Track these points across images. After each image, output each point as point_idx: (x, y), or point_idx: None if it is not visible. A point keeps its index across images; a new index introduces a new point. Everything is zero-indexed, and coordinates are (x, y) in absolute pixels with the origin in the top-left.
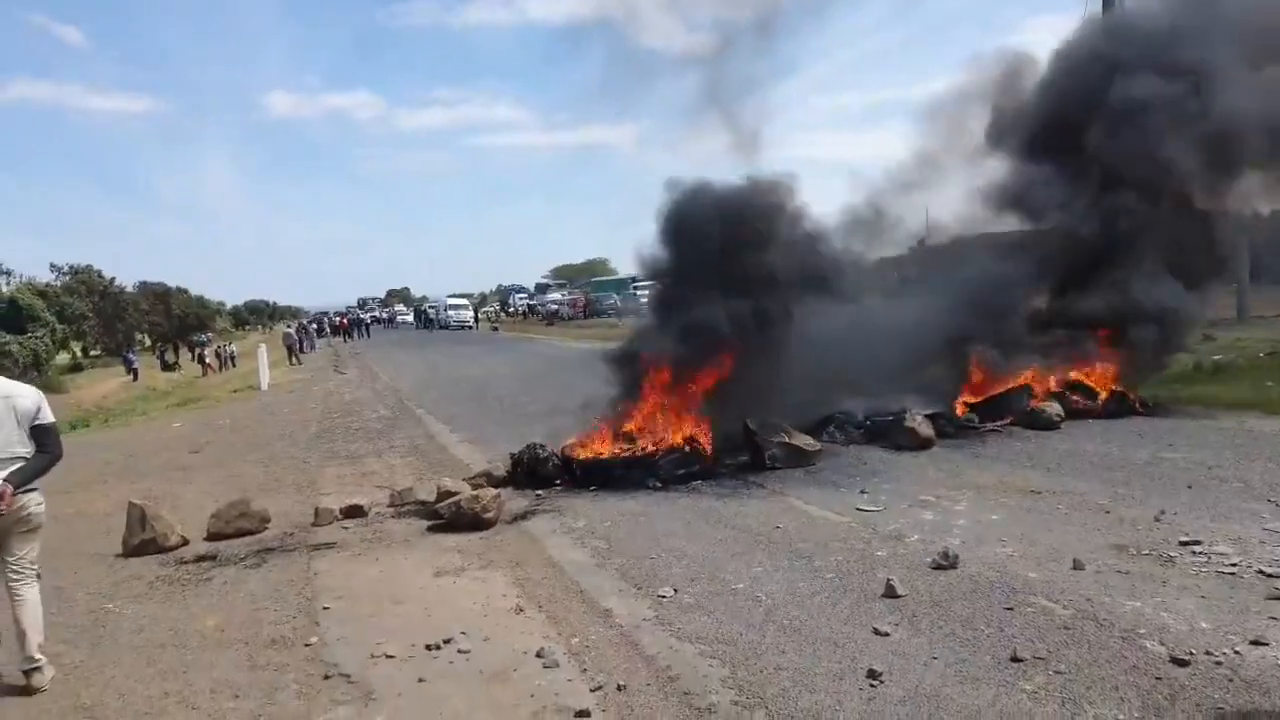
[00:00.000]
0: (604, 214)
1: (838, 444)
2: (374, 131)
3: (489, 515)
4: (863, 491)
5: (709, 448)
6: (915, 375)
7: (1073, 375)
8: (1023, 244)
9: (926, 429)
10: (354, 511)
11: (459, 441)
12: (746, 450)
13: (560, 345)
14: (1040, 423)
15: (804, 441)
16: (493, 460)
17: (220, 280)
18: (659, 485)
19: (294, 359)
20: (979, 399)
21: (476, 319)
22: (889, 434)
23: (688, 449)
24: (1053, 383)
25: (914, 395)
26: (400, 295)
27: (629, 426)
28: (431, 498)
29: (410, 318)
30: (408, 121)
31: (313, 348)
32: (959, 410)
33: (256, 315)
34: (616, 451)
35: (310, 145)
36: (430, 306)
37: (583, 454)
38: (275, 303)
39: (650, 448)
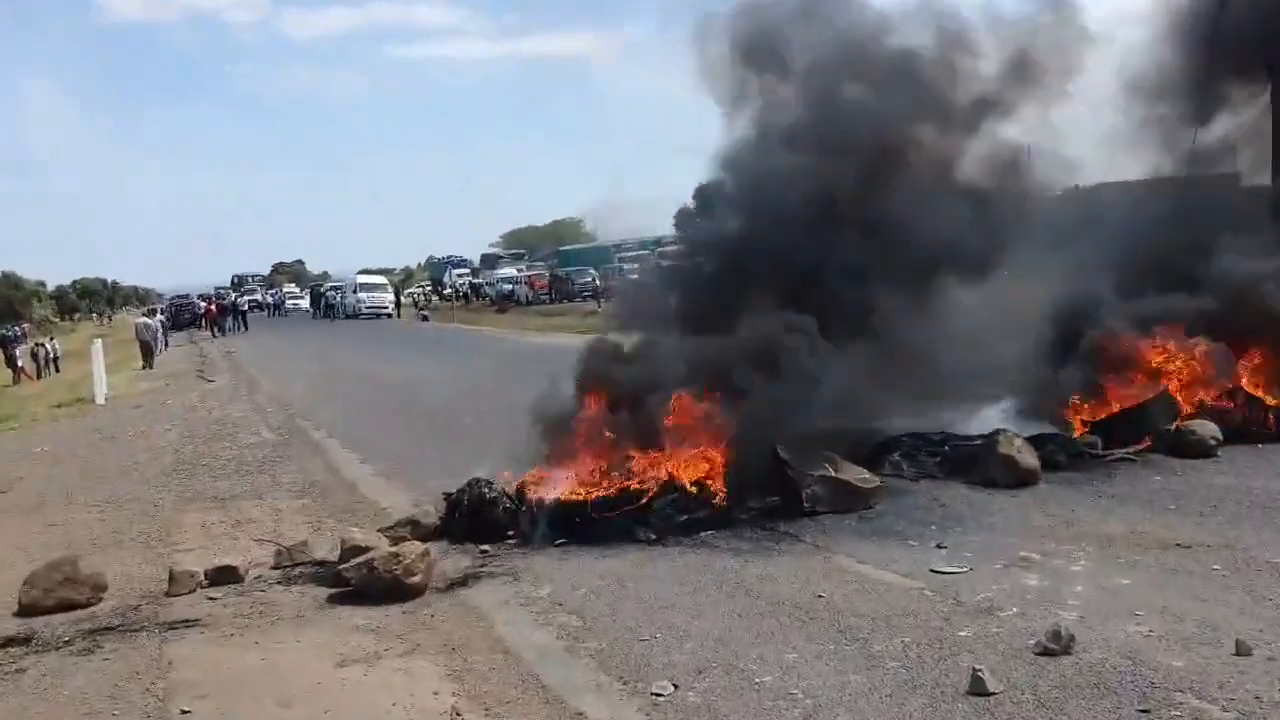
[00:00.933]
0: (577, 158)
1: (904, 479)
2: (253, 39)
3: (414, 580)
4: (939, 546)
5: (722, 483)
6: (1017, 378)
7: (1239, 380)
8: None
9: (1029, 458)
10: (225, 575)
11: (372, 475)
12: (775, 487)
13: (516, 340)
14: (1189, 448)
15: (857, 476)
16: (420, 502)
17: (40, 252)
18: (653, 536)
19: (147, 361)
20: (1104, 414)
21: (398, 303)
22: (976, 464)
23: (692, 485)
24: (1208, 392)
25: (1011, 407)
26: (291, 272)
27: (611, 454)
28: (334, 555)
29: (305, 303)
30: (299, 26)
31: (165, 346)
32: (1076, 430)
33: (90, 300)
34: (593, 489)
35: (165, 60)
36: (333, 287)
37: (546, 493)
38: (117, 283)
39: (640, 483)
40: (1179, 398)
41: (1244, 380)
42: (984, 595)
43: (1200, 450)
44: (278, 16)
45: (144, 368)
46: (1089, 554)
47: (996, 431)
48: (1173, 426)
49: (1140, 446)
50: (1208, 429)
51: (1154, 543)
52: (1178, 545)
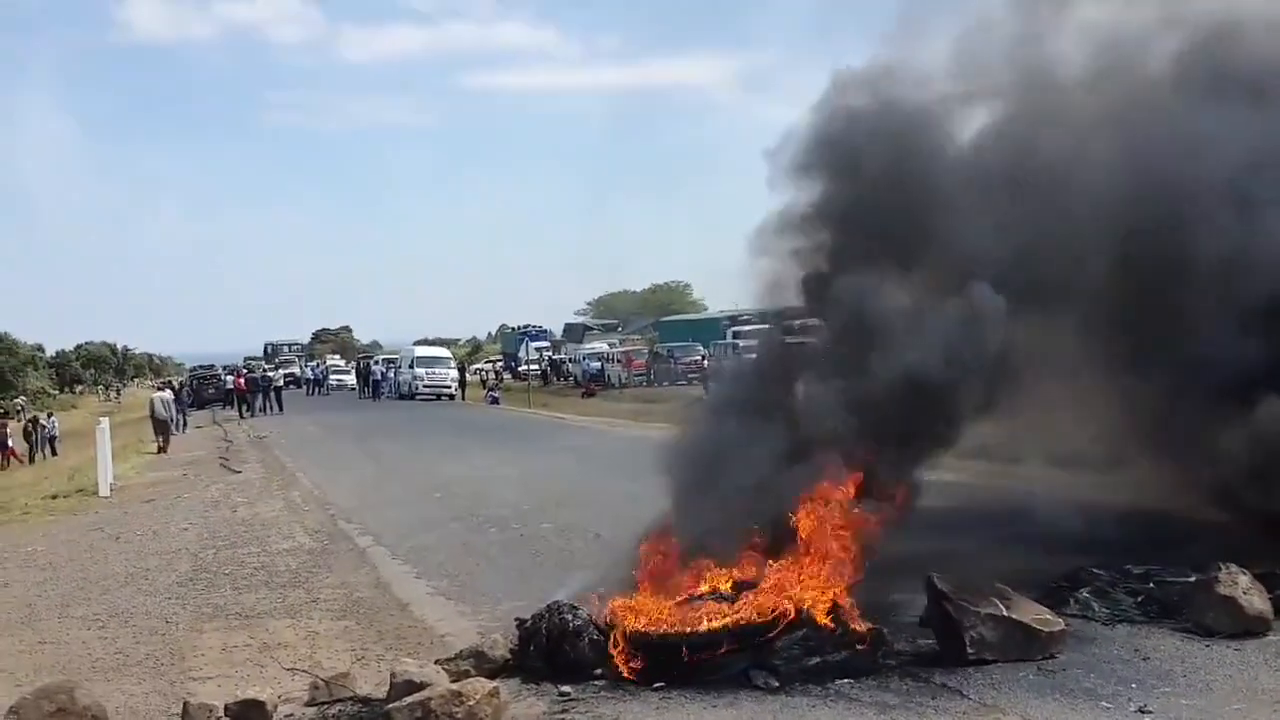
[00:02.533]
0: (685, 209)
1: (1095, 621)
2: (303, 62)
3: None
4: (1142, 710)
5: (861, 620)
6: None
7: None
8: None
9: (1258, 600)
10: (249, 712)
11: (429, 594)
12: (931, 627)
13: (605, 431)
14: None
15: (1035, 615)
16: (487, 630)
17: (38, 310)
18: (774, 683)
19: (163, 444)
20: None
21: (463, 382)
22: (1186, 606)
23: (824, 621)
24: None
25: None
26: (336, 340)
27: (722, 576)
28: (381, 692)
29: (351, 378)
30: (358, 46)
31: (183, 426)
32: None
33: (96, 369)
34: (700, 622)
35: (194, 86)
36: (386, 358)
37: (641, 624)
38: (128, 349)
39: (758, 615)
40: None
41: None
42: None
43: None
44: (336, 35)
45: (159, 452)
46: None
47: (1214, 565)
48: None
49: None
50: None
51: None
52: None
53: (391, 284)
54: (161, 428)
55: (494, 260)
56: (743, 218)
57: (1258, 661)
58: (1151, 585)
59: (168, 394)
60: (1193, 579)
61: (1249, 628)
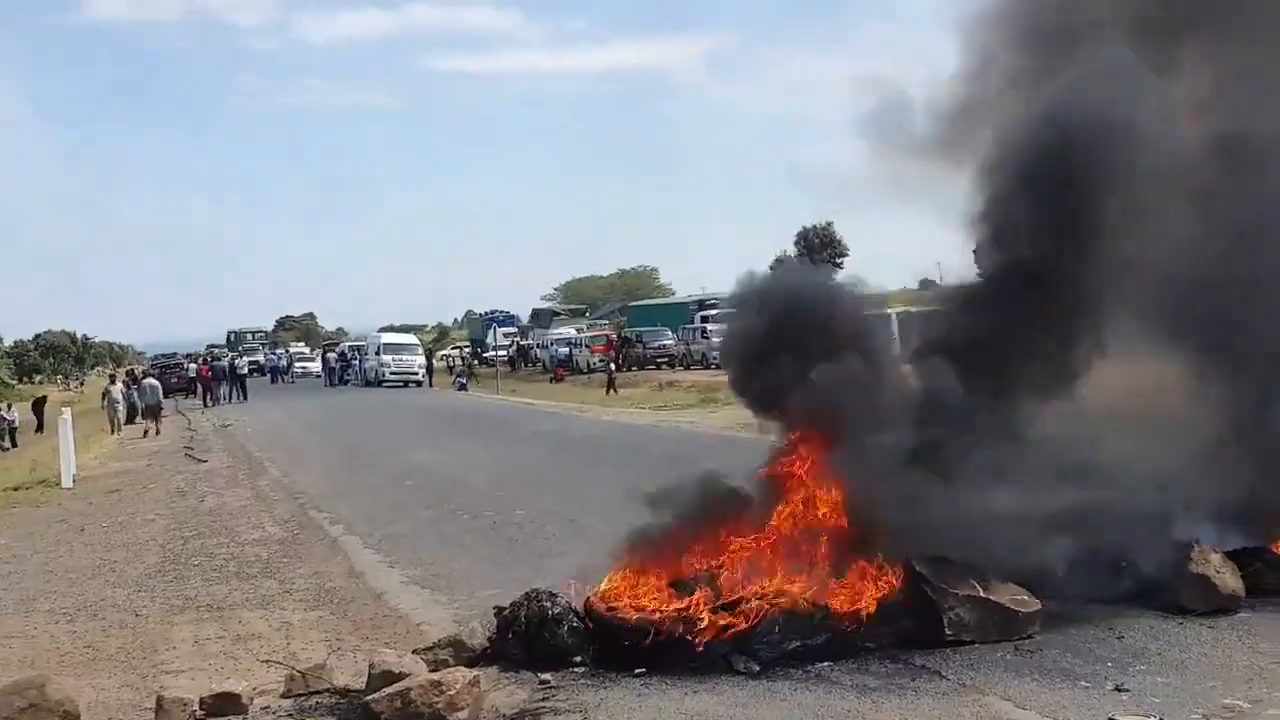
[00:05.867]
0: (652, 192)
1: (1071, 601)
2: (263, 46)
3: (460, 715)
4: (1119, 689)
5: (843, 603)
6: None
7: None
8: None
9: (1230, 579)
10: (224, 705)
11: (403, 583)
12: (909, 609)
13: (576, 416)
14: None
15: (1012, 596)
16: (464, 619)
17: None
18: (755, 667)
19: (115, 429)
20: None
21: (430, 369)
22: (1161, 586)
23: (805, 605)
24: None
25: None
26: (300, 328)
27: (703, 562)
28: (359, 683)
29: (317, 365)
30: (317, 29)
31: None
32: None
33: (55, 358)
34: (681, 607)
35: (157, 69)
36: (352, 345)
37: (622, 610)
38: (89, 338)
39: (741, 600)
40: None
41: None
42: None
43: None
44: (292, 19)
45: (114, 431)
46: None
47: (1188, 543)
48: None
49: None
50: None
51: None
52: None
53: (357, 270)
54: (151, 412)
55: (461, 246)
56: (711, 201)
57: (1231, 639)
58: (1124, 564)
59: (151, 382)
60: (1165, 558)
61: (1222, 605)
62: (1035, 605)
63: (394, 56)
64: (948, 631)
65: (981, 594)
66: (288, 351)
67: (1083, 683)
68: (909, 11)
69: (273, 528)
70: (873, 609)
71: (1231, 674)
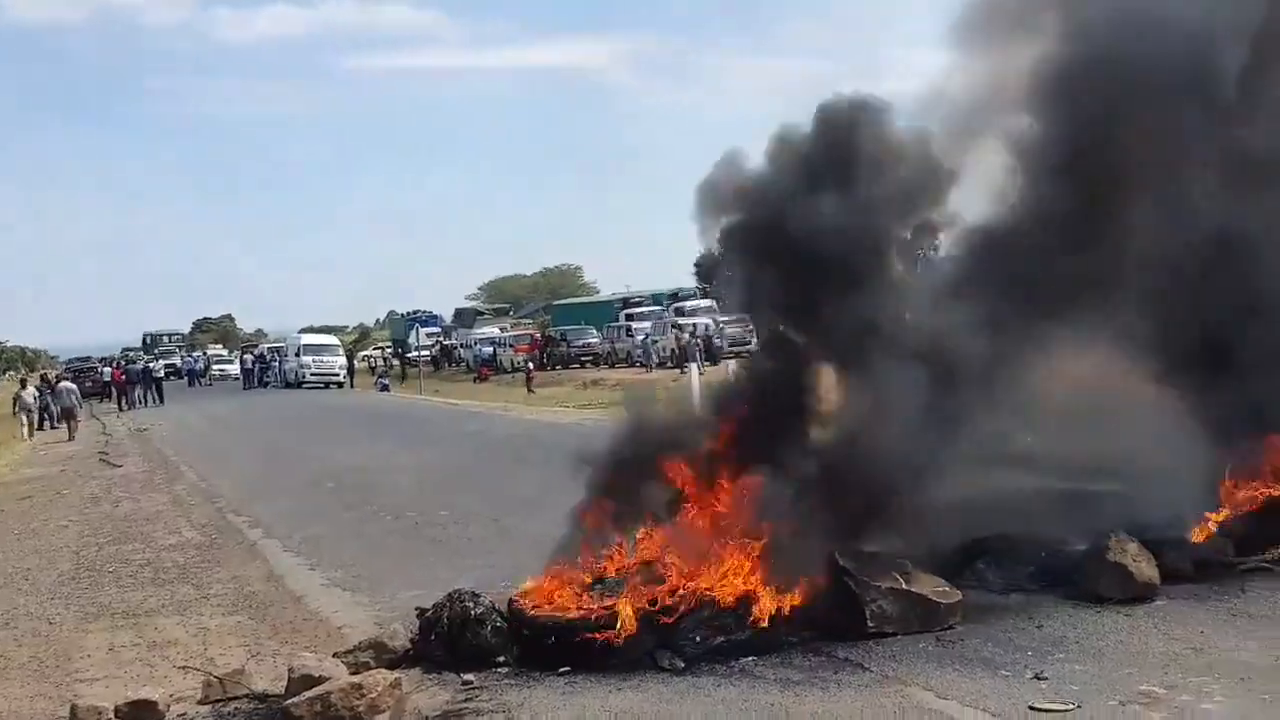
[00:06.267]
0: (577, 192)
1: (991, 591)
2: (177, 45)
3: (380, 718)
4: (1038, 677)
5: (766, 599)
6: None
7: None
8: None
9: (1146, 567)
10: (141, 713)
11: (324, 586)
12: (832, 602)
13: (500, 416)
14: None
15: (933, 588)
16: (385, 621)
17: None
18: (679, 664)
19: (28, 432)
20: (1241, 509)
21: (351, 370)
22: (1079, 575)
23: (729, 601)
24: None
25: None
26: (218, 330)
27: (628, 559)
28: (278, 687)
29: (235, 368)
30: (233, 27)
31: (46, 423)
32: (1202, 532)
33: None
34: (605, 606)
35: (65, 69)
36: (271, 347)
37: (545, 609)
38: (1, 342)
39: (666, 598)
40: None
41: None
42: None
43: None
44: (208, 16)
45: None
46: (1224, 688)
47: (1105, 535)
48: None
49: None
50: None
51: None
52: None
53: (277, 272)
54: (68, 414)
55: (383, 246)
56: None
57: (1147, 626)
58: (1043, 554)
59: (67, 385)
60: (1082, 548)
61: (1138, 594)
62: (956, 596)
63: (311, 55)
64: (870, 624)
65: (904, 586)
66: (205, 354)
67: (1003, 671)
68: (837, 11)
69: (190, 532)
70: (796, 603)
71: (1147, 660)
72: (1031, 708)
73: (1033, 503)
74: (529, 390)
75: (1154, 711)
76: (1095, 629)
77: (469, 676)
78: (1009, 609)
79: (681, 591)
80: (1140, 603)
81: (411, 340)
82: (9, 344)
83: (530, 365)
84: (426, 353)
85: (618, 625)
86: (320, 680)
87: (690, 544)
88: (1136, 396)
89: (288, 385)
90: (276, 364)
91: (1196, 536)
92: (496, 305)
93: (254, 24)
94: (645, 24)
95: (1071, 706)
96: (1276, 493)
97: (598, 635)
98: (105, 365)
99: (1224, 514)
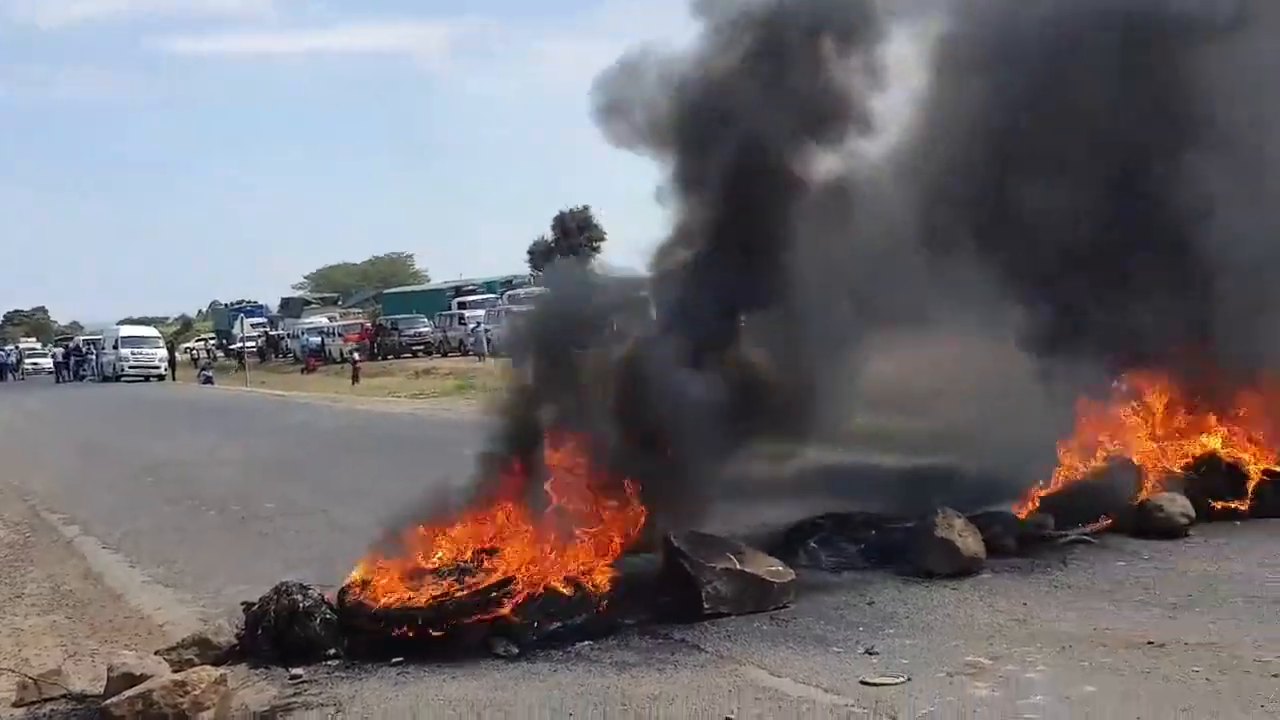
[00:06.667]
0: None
1: (823, 570)
2: None
3: (206, 716)
4: (869, 652)
5: (602, 582)
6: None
7: (1208, 443)
8: None
9: (972, 542)
10: None
11: (144, 583)
12: (668, 585)
13: (329, 407)
14: (1156, 527)
15: (767, 568)
16: (210, 617)
17: None
18: (514, 650)
19: None
20: (1057, 487)
21: (173, 362)
22: (908, 552)
23: (564, 585)
24: (1172, 457)
25: (947, 477)
26: (30, 322)
27: (464, 547)
28: (98, 687)
29: (47, 361)
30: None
31: None
32: (1025, 508)
33: None
34: (438, 593)
35: None
36: (87, 339)
37: (377, 599)
38: None
39: (499, 584)
40: (1144, 463)
41: (1225, 446)
42: (926, 711)
43: (1169, 529)
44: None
45: None
46: (1046, 657)
47: (932, 512)
48: (1134, 501)
49: (1099, 526)
50: (1178, 504)
51: (1121, 642)
52: (1149, 644)
53: (90, 261)
54: None
55: (204, 234)
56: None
57: (973, 599)
58: (874, 532)
59: None
60: (910, 524)
61: (965, 568)
62: (790, 576)
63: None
64: (706, 605)
65: (738, 567)
66: (17, 348)
67: (835, 648)
68: None
69: (1, 531)
70: (631, 586)
71: (973, 632)
72: (863, 682)
73: (873, 481)
74: (354, 381)
75: (980, 681)
76: (924, 604)
77: (298, 670)
78: (841, 586)
79: (516, 577)
80: (966, 576)
81: (236, 331)
82: None
83: (357, 355)
84: (252, 344)
85: (451, 613)
86: (141, 679)
87: (522, 529)
88: (997, 372)
89: (105, 379)
90: (93, 357)
91: (1020, 512)
92: (324, 294)
93: (72, 7)
94: (465, 7)
95: (902, 679)
96: (1091, 467)
97: (431, 625)
98: None
99: (1049, 488)
